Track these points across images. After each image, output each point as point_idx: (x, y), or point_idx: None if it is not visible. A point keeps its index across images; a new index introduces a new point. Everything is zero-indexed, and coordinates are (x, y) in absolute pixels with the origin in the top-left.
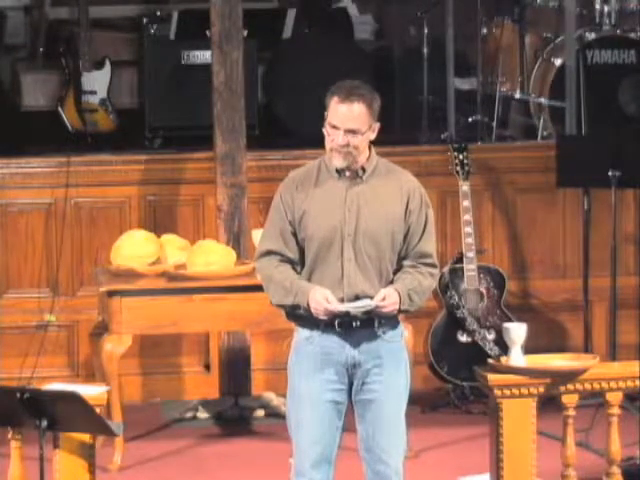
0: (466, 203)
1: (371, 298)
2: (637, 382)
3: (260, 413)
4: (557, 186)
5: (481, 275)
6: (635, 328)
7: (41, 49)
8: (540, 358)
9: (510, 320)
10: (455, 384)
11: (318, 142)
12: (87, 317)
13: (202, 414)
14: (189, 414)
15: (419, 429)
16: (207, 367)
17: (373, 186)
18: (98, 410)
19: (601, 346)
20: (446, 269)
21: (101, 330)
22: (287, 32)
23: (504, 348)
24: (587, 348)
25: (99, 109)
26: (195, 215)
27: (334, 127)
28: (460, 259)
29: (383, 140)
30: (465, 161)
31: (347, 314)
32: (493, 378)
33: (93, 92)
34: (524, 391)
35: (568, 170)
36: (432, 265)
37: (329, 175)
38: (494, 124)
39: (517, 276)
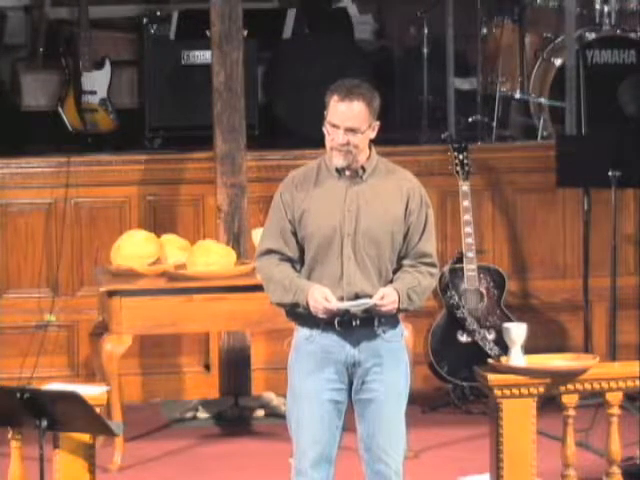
0: (466, 203)
1: (370, 297)
2: (637, 382)
3: (260, 413)
4: (557, 186)
5: (481, 275)
6: (635, 328)
7: (41, 49)
8: (540, 358)
9: (510, 320)
10: (455, 384)
11: (318, 142)
12: (87, 317)
13: (202, 414)
14: (189, 414)
15: (419, 429)
16: (207, 367)
17: (373, 185)
18: (98, 410)
19: (601, 346)
20: (446, 269)
21: (101, 330)
22: (287, 32)
23: (504, 348)
24: (587, 348)
25: (99, 109)
26: (195, 215)
27: (334, 126)
28: (460, 259)
29: (383, 140)
30: (465, 161)
31: (347, 313)
32: (493, 378)
33: (93, 92)
34: (524, 391)
35: (568, 170)
36: (432, 265)
37: (329, 174)
38: (494, 124)
39: (517, 276)
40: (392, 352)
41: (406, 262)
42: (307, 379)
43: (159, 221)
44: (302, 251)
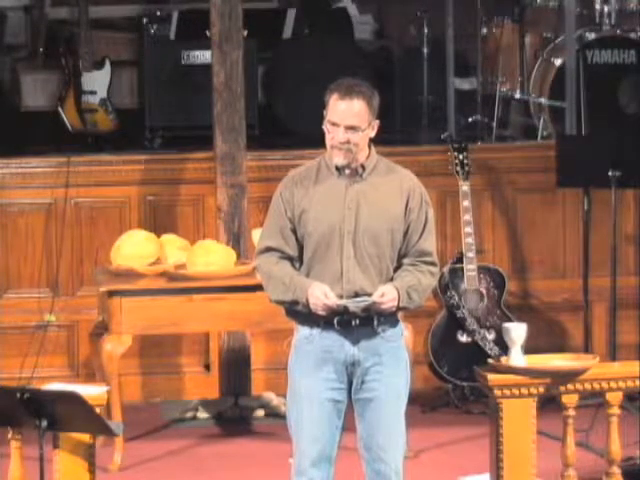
0: (466, 203)
1: (370, 295)
2: (637, 382)
3: (260, 413)
4: (557, 186)
5: (481, 275)
6: (635, 328)
7: (41, 49)
8: (540, 358)
9: (510, 320)
10: (455, 384)
11: (318, 142)
12: (87, 317)
13: (202, 414)
14: (189, 414)
15: (419, 429)
16: (207, 367)
17: (373, 184)
18: (98, 410)
19: (601, 346)
20: (446, 269)
21: (101, 330)
22: (287, 32)
23: (504, 348)
24: (587, 348)
25: (99, 109)
26: (195, 215)
27: (334, 124)
28: (460, 259)
29: (383, 140)
30: (465, 161)
31: (346, 312)
32: (493, 378)
33: (93, 92)
34: (524, 391)
35: (568, 170)
36: (432, 263)
37: (329, 173)
38: (494, 124)
39: (517, 276)
40: (392, 351)
41: (406, 261)
42: (307, 378)
43: (159, 221)
44: (302, 249)
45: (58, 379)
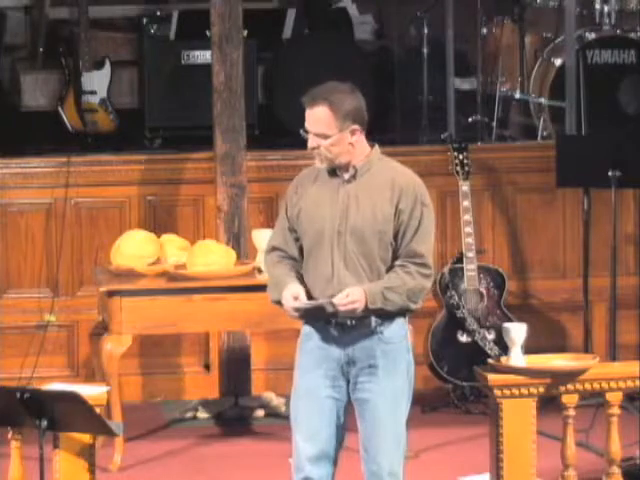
0: (466, 203)
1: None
2: (637, 382)
3: (260, 413)
4: (557, 186)
5: (481, 275)
6: (635, 328)
7: (41, 49)
8: (540, 358)
9: (510, 320)
10: (455, 384)
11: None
12: (87, 317)
13: (202, 414)
14: (189, 414)
15: (419, 429)
16: (207, 367)
17: (364, 185)
18: (98, 410)
19: (601, 346)
20: (446, 269)
21: (101, 330)
22: (287, 32)
23: (504, 348)
24: (587, 348)
25: (99, 109)
26: (195, 215)
27: (306, 131)
28: (460, 259)
29: (383, 140)
30: (465, 161)
31: (322, 311)
32: (493, 378)
33: (93, 92)
34: (524, 391)
35: (568, 170)
36: (423, 265)
37: (325, 174)
38: (494, 124)
39: (517, 276)
40: (389, 353)
41: (397, 262)
42: (306, 375)
43: (159, 221)
44: (302, 249)
45: (58, 379)
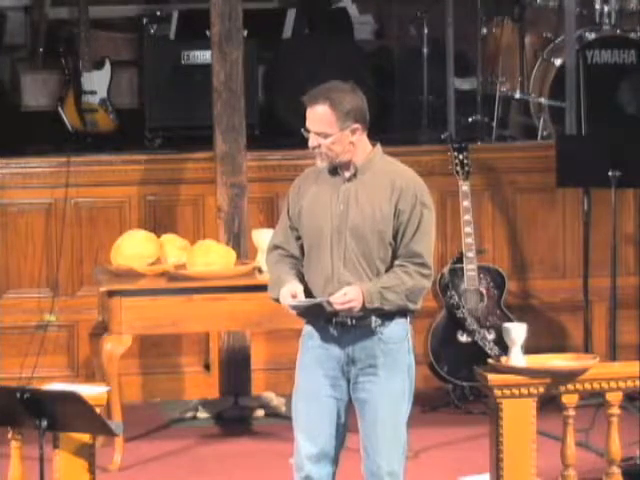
0: (466, 203)
1: None
2: (637, 382)
3: (260, 413)
4: (557, 186)
5: (481, 275)
6: (635, 328)
7: (41, 49)
8: (540, 358)
9: (510, 320)
10: (455, 384)
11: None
12: (87, 317)
13: (202, 414)
14: (189, 414)
15: (419, 429)
16: (207, 367)
17: (364, 184)
18: (98, 410)
19: (601, 346)
20: (446, 269)
21: (101, 330)
22: (287, 32)
23: (504, 348)
24: (587, 348)
25: (99, 109)
26: (195, 215)
27: (307, 130)
28: (460, 259)
29: (383, 140)
30: (465, 161)
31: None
32: (493, 378)
33: (93, 92)
34: (524, 391)
35: (568, 170)
36: (422, 265)
37: (327, 174)
38: (494, 124)
39: (517, 276)
40: (389, 353)
41: (396, 261)
42: (307, 375)
43: (159, 221)
44: (302, 247)
45: (58, 379)
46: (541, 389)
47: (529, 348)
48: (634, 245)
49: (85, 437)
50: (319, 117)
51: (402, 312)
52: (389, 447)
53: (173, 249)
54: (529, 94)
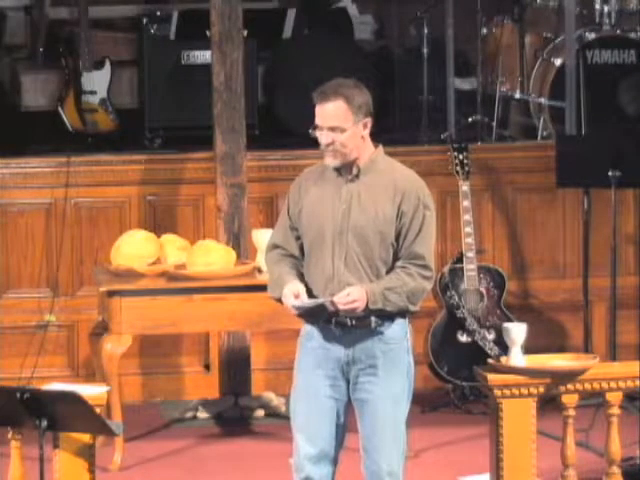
0: (466, 203)
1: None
2: (637, 382)
3: (260, 413)
4: (557, 186)
5: (481, 275)
6: (635, 328)
7: (41, 49)
8: (540, 358)
9: (510, 320)
10: (455, 384)
11: (318, 142)
12: (87, 317)
13: (202, 414)
14: (189, 414)
15: (419, 429)
16: (207, 367)
17: (367, 185)
18: (98, 410)
19: (601, 346)
20: (446, 269)
21: (101, 330)
22: (287, 32)
23: (504, 348)
24: (587, 348)
25: (99, 109)
26: (195, 215)
27: (318, 127)
28: (460, 259)
29: (383, 140)
30: (465, 161)
31: (324, 310)
32: (493, 378)
33: (93, 92)
34: (524, 391)
35: (568, 170)
36: (424, 267)
37: (330, 173)
38: (494, 124)
39: (517, 276)
40: (389, 353)
41: (398, 263)
42: (306, 375)
43: (159, 221)
44: (302, 247)
45: (58, 379)
46: (541, 389)
47: (529, 348)
48: (634, 245)
49: (85, 437)
50: (334, 112)
51: (402, 312)
52: (389, 447)
53: (173, 249)
54: (529, 94)
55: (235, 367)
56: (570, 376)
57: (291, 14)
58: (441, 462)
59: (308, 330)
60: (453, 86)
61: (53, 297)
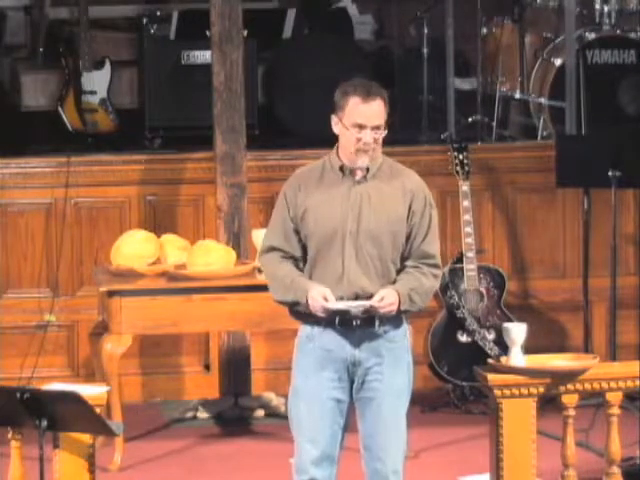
0: (466, 203)
1: (371, 297)
2: (637, 382)
3: (260, 413)
4: (557, 186)
5: (481, 275)
6: (635, 328)
7: (41, 49)
8: (540, 358)
9: (510, 320)
10: (455, 384)
11: (318, 142)
12: (87, 317)
13: (202, 414)
14: (189, 414)
15: (419, 429)
16: (207, 367)
17: (376, 185)
18: (98, 410)
19: (601, 346)
20: (446, 269)
21: (101, 330)
22: (287, 32)
23: (504, 348)
24: (587, 348)
25: (99, 109)
26: (195, 215)
27: (360, 126)
28: (460, 259)
29: (383, 140)
30: (465, 161)
31: (347, 312)
32: (493, 378)
33: (93, 92)
34: (524, 391)
35: (568, 170)
36: (435, 266)
37: (333, 174)
38: (494, 124)
39: (517, 276)
40: (393, 352)
41: (409, 263)
42: (308, 377)
43: (159, 221)
44: (305, 249)
45: (58, 379)
46: (541, 389)
47: (529, 348)
48: (634, 245)
49: (85, 437)
50: (378, 111)
51: (402, 312)
52: (394, 445)
53: (173, 249)
54: (529, 94)
55: (235, 367)
56: (570, 376)
57: (291, 14)
58: (441, 462)
59: (308, 332)
60: (453, 86)
61: (53, 297)
